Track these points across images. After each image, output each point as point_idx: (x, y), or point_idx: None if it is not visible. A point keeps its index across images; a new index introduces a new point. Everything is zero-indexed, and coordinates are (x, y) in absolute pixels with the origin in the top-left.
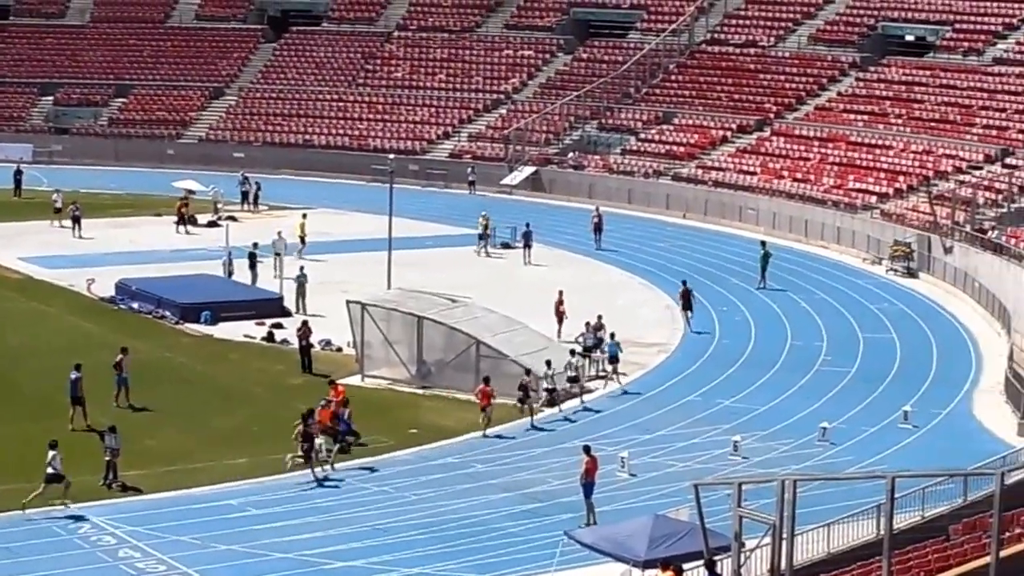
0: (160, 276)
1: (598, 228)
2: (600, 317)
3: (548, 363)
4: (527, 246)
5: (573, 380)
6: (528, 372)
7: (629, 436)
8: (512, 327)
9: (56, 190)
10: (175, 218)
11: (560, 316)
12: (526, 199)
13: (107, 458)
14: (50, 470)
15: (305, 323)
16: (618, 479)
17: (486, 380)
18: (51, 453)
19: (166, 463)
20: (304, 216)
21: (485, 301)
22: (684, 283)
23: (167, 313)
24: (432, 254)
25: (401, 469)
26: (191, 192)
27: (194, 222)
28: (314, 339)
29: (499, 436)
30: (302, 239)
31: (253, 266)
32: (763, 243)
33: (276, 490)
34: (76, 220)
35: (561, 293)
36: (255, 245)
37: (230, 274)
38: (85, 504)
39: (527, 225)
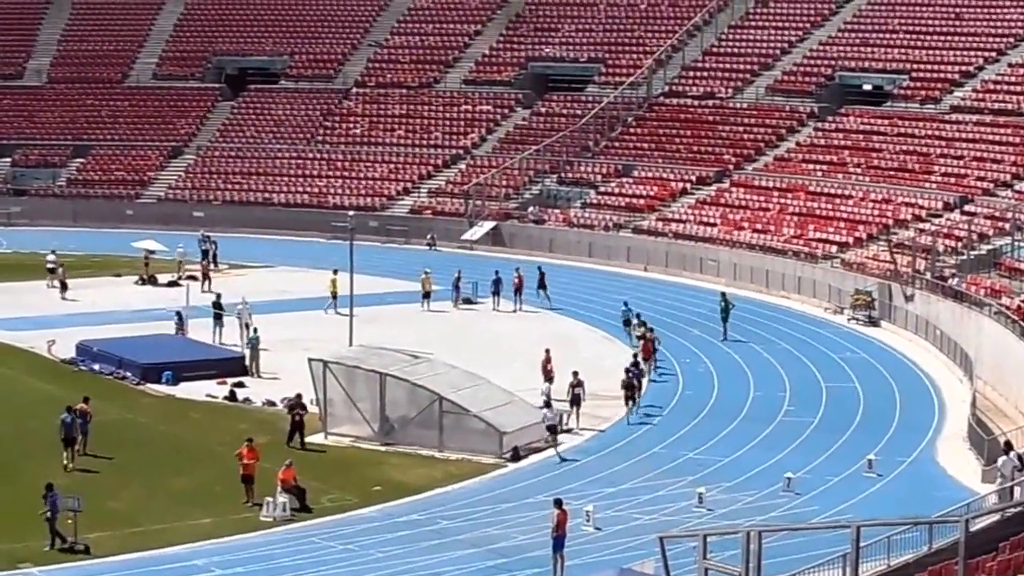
0: (121, 336)
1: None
2: (576, 374)
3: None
4: (496, 293)
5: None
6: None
7: (594, 489)
8: (475, 382)
9: (52, 250)
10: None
11: (548, 374)
12: (487, 254)
13: (46, 516)
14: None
15: (299, 396)
16: (584, 533)
17: (557, 503)
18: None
19: (130, 524)
20: (335, 273)
21: (447, 357)
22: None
23: (128, 374)
24: (393, 310)
25: (367, 527)
26: (151, 252)
27: (155, 282)
28: (275, 397)
29: (462, 491)
30: (333, 295)
31: (219, 318)
32: (723, 295)
33: (241, 550)
34: (62, 283)
35: (548, 351)
36: (218, 296)
37: (181, 332)
38: (47, 567)
39: (496, 273)
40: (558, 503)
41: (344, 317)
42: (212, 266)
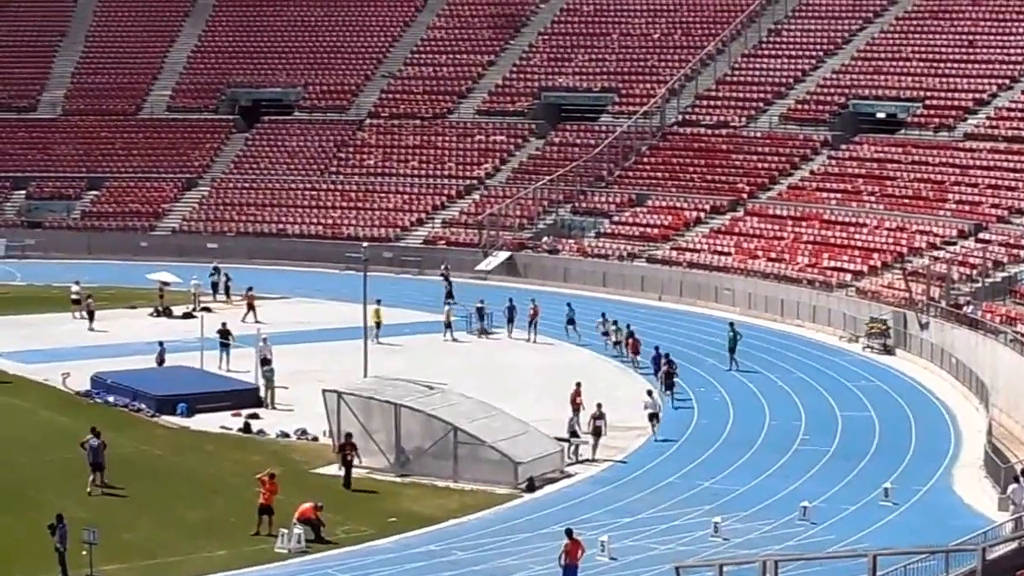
0: (136, 369)
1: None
2: (600, 406)
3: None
4: (510, 320)
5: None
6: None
7: (610, 520)
8: (489, 413)
9: (76, 281)
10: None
11: (576, 407)
12: (501, 284)
13: (58, 549)
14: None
15: (349, 436)
16: (599, 563)
17: (568, 532)
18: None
19: (145, 556)
20: (379, 302)
21: (461, 387)
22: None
23: (143, 406)
24: (407, 341)
25: (382, 558)
26: (166, 284)
27: (170, 314)
28: (289, 428)
29: (478, 522)
30: (377, 324)
31: (225, 346)
32: (731, 324)
33: None
34: (90, 313)
35: (579, 385)
36: (224, 325)
37: (160, 363)
38: None
39: (510, 300)
40: (569, 533)
41: (384, 346)
42: (225, 298)
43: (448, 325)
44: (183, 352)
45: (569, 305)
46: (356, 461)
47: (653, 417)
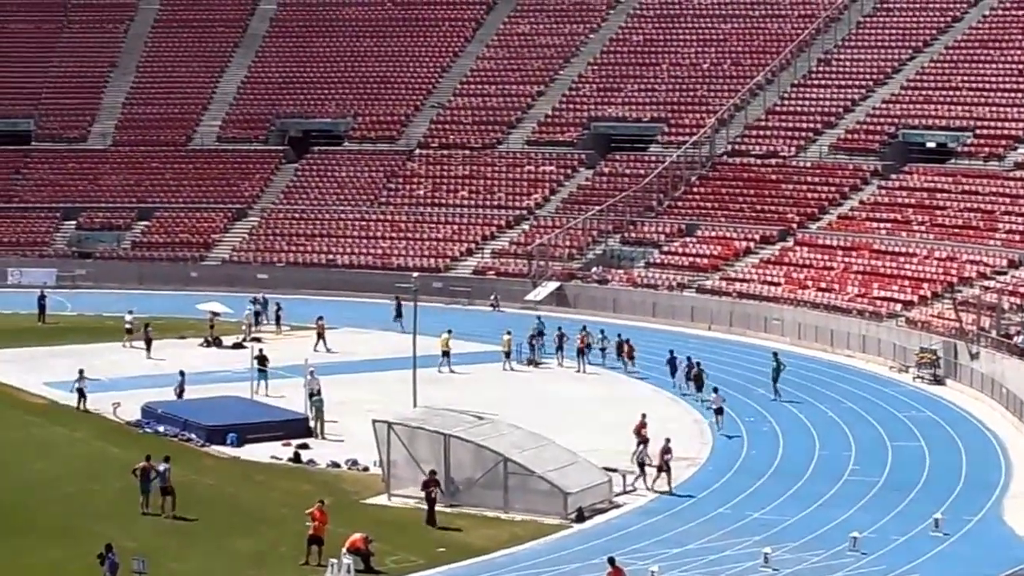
0: (185, 399)
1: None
2: (668, 440)
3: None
4: (559, 349)
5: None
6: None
7: (659, 550)
8: (539, 443)
9: (129, 311)
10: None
11: (642, 439)
12: (551, 314)
13: None
14: None
15: (433, 473)
16: None
17: (611, 561)
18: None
19: None
20: (449, 332)
21: (510, 417)
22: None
23: (193, 436)
24: (457, 372)
25: None
26: (216, 314)
27: (220, 344)
28: (339, 458)
29: (527, 553)
30: (445, 353)
31: (263, 372)
32: (775, 354)
33: None
34: (148, 342)
35: (644, 416)
36: (261, 351)
37: (180, 394)
38: None
39: (559, 329)
40: (611, 561)
41: (455, 375)
42: (275, 328)
43: (507, 354)
44: (233, 382)
45: (539, 319)
46: (438, 497)
47: (719, 412)
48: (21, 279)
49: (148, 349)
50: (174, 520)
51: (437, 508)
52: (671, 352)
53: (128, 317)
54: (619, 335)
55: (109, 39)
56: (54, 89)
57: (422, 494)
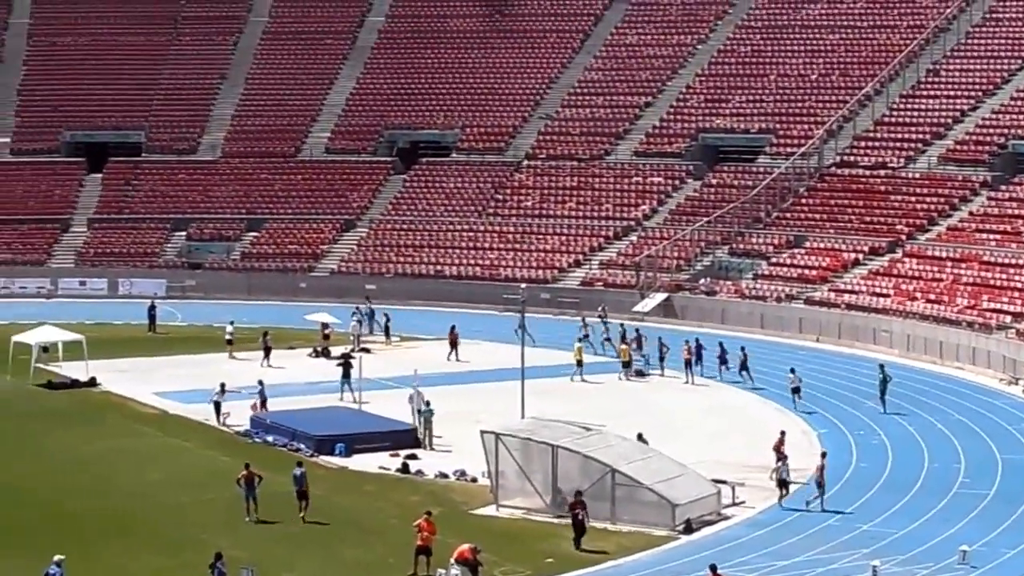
0: (294, 409)
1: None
2: (824, 455)
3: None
4: (661, 359)
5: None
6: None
7: (767, 563)
8: (647, 454)
9: (230, 322)
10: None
11: (781, 456)
12: (658, 326)
13: None
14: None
15: (579, 494)
16: None
17: (712, 568)
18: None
19: None
20: (580, 341)
21: (617, 428)
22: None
23: (302, 446)
24: (564, 383)
25: None
26: (326, 325)
27: (328, 355)
28: (448, 469)
29: (635, 564)
30: (579, 363)
31: (347, 375)
32: (881, 366)
33: None
34: (267, 350)
35: (783, 433)
36: (346, 355)
37: (263, 403)
38: None
39: (659, 339)
40: (713, 568)
41: (588, 384)
42: (384, 338)
43: (627, 364)
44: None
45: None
46: (585, 520)
47: (795, 391)
48: (131, 290)
49: (267, 357)
50: (305, 523)
51: (543, 519)
52: (721, 345)
53: (229, 328)
54: (621, 325)
55: (219, 51)
56: (164, 101)
57: (527, 504)
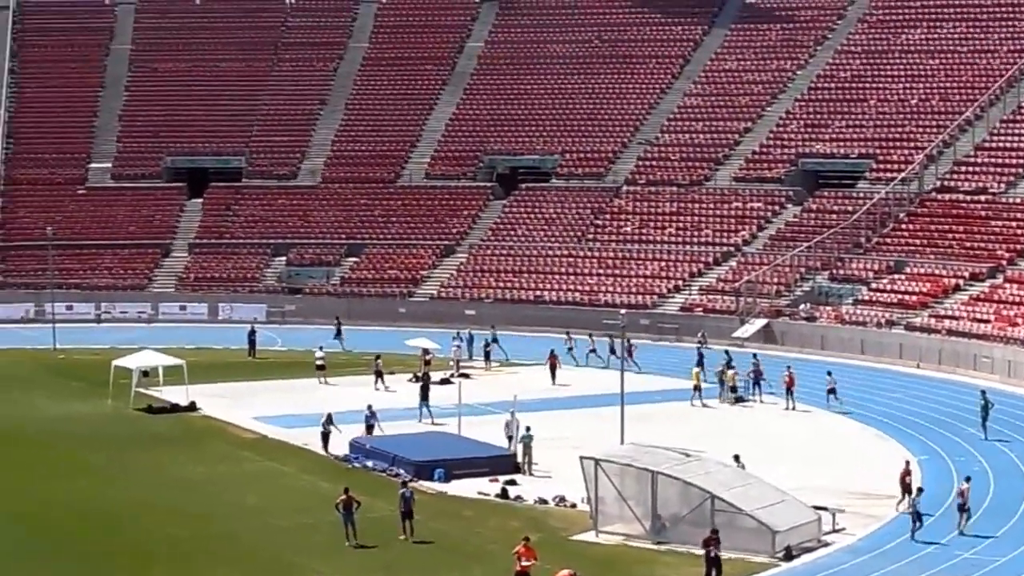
0: (394, 434)
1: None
2: (969, 479)
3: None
4: (756, 384)
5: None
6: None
7: None
8: (747, 481)
9: (319, 347)
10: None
11: (906, 487)
12: (759, 351)
13: None
14: None
15: (715, 532)
16: None
17: None
18: None
19: None
20: (699, 366)
21: (717, 455)
22: None
23: (401, 471)
24: (664, 408)
25: None
26: (427, 351)
27: (428, 379)
28: (547, 495)
29: None
30: (696, 388)
31: (425, 398)
32: (983, 392)
33: None
34: (379, 374)
35: (908, 463)
36: (424, 379)
37: (368, 429)
38: None
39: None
40: None
41: (707, 409)
42: (484, 364)
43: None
44: (440, 418)
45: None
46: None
47: (831, 391)
48: (232, 314)
49: (379, 380)
50: (414, 543)
51: (642, 545)
52: (726, 353)
53: (319, 353)
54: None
55: (319, 77)
56: (264, 127)
57: (626, 530)
